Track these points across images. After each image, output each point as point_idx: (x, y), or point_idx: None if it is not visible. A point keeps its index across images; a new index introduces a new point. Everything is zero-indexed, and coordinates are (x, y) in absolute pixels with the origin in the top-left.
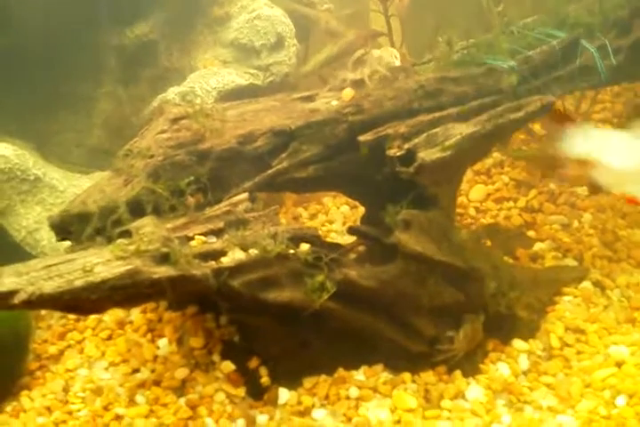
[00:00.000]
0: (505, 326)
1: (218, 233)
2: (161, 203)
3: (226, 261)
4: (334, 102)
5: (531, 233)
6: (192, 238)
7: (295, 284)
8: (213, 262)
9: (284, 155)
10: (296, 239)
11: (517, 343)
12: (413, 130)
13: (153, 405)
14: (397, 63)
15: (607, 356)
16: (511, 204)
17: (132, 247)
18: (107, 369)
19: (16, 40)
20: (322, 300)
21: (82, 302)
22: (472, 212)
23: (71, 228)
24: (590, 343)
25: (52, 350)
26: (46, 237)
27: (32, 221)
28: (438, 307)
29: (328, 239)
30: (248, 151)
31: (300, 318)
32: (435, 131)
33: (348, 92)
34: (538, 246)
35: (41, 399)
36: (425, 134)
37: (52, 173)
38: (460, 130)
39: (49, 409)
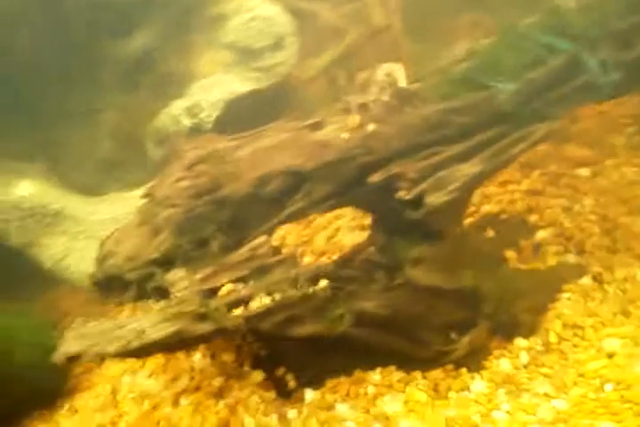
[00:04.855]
0: (507, 327)
1: (244, 279)
2: (188, 253)
3: (254, 306)
4: (342, 134)
5: (534, 217)
6: (222, 286)
7: (316, 317)
8: (243, 309)
9: (298, 196)
10: (315, 277)
11: (519, 341)
12: (421, 174)
13: (197, 407)
14: (404, 81)
15: (600, 348)
16: (515, 186)
17: (174, 310)
18: (149, 377)
19: (19, 61)
20: (341, 329)
21: (137, 356)
22: (476, 198)
23: (112, 284)
24: (586, 337)
25: None
26: (73, 263)
27: (58, 250)
28: (447, 323)
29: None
30: (264, 194)
31: (322, 341)
32: (441, 174)
33: (354, 119)
34: (540, 235)
35: (94, 400)
36: (432, 179)
37: (70, 202)
38: (466, 171)
39: (102, 409)
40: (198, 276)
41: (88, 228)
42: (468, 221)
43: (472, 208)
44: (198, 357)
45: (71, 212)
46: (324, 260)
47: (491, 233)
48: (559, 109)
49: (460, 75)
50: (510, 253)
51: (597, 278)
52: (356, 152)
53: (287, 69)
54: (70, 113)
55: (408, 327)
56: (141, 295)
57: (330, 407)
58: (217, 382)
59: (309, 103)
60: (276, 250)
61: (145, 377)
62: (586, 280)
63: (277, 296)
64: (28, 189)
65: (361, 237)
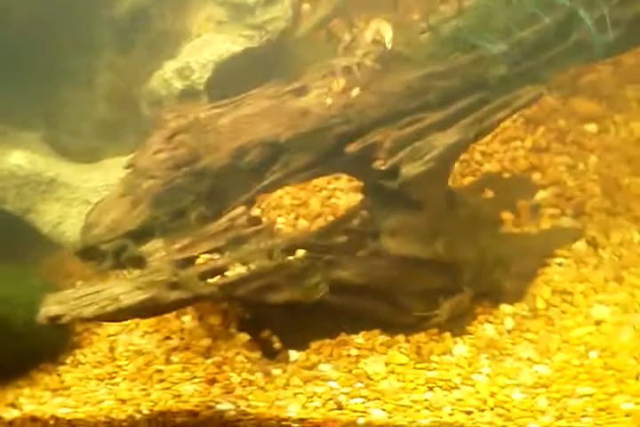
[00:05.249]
0: (493, 292)
1: (221, 249)
2: (166, 224)
3: (229, 274)
4: (327, 99)
5: (536, 176)
6: (198, 256)
7: (292, 285)
8: (218, 278)
9: (276, 166)
10: (292, 247)
11: (504, 307)
12: (398, 143)
13: (186, 364)
14: (390, 42)
15: (588, 315)
16: (518, 143)
17: (146, 279)
18: (142, 336)
19: (13, 29)
20: (317, 296)
21: (113, 320)
22: (477, 156)
23: (92, 254)
24: (575, 304)
25: None
26: (69, 228)
27: (55, 216)
28: (427, 290)
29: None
30: (242, 164)
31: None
32: (418, 144)
33: (339, 83)
34: (540, 195)
35: (93, 356)
36: (409, 149)
37: (64, 170)
38: (444, 140)
39: (101, 363)
40: (175, 246)
41: (82, 195)
42: (467, 180)
43: (472, 167)
44: (188, 319)
45: (65, 179)
46: (319, 222)
47: (489, 194)
48: (552, 70)
49: (450, 33)
50: (507, 216)
51: (592, 243)
52: (334, 121)
53: (282, 25)
54: (64, 75)
55: (387, 294)
56: (119, 265)
57: (313, 367)
58: (205, 342)
59: (306, 60)
60: (255, 220)
61: (139, 336)
62: (580, 245)
63: (252, 266)
64: (21, 158)
65: (355, 199)
